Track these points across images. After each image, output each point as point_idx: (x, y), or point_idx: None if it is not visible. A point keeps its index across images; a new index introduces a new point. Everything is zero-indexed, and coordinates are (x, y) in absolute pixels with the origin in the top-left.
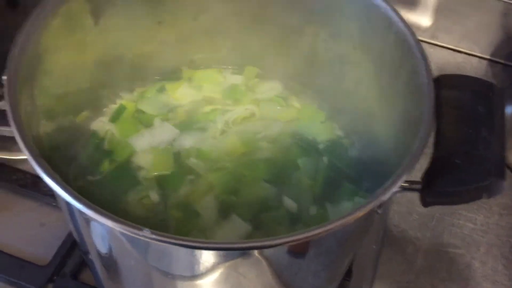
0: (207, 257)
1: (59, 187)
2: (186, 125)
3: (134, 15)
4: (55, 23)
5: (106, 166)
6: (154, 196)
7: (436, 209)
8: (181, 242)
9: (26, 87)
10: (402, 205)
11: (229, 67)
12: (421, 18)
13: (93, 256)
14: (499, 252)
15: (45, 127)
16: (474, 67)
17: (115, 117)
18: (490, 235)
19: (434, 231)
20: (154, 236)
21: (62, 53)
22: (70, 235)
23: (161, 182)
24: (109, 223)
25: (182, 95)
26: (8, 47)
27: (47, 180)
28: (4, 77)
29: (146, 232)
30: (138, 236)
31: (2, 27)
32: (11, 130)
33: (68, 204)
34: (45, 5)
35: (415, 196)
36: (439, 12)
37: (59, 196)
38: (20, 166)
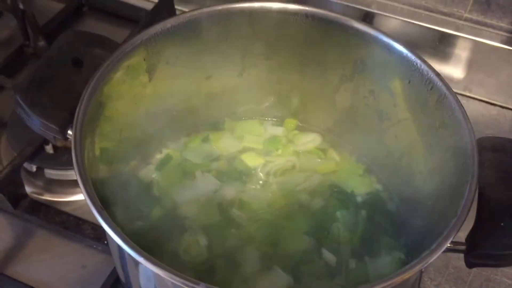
0: None
1: (119, 239)
2: (228, 175)
3: (185, 72)
4: (117, 76)
5: (156, 212)
6: (203, 241)
7: None
8: None
9: (88, 136)
10: (438, 258)
11: (270, 119)
12: (454, 71)
13: None
14: None
15: (100, 174)
16: (508, 120)
17: (161, 166)
18: None
19: (471, 286)
20: None
21: (120, 103)
22: (109, 278)
23: (208, 231)
24: (166, 275)
25: (224, 145)
26: (73, 103)
27: (107, 228)
28: (70, 132)
29: (203, 287)
30: None
31: (68, 86)
32: (57, 173)
33: (120, 248)
34: (108, 64)
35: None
36: (472, 65)
37: (113, 241)
38: (64, 208)
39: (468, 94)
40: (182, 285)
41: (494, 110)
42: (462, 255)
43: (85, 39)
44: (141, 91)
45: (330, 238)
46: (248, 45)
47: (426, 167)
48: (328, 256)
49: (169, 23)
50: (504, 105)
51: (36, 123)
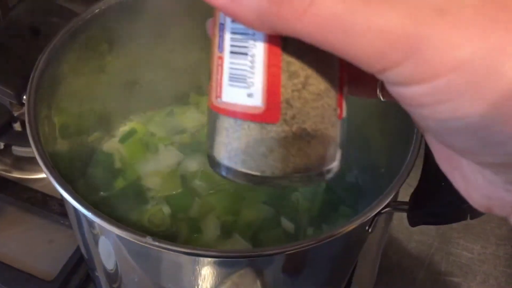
0: (207, 271)
1: (71, 197)
2: (191, 148)
3: (147, 44)
4: (75, 48)
5: (119, 183)
6: (167, 210)
7: (434, 238)
8: (179, 249)
9: (45, 107)
10: (400, 233)
11: None
12: None
13: (99, 272)
14: (496, 282)
15: (60, 146)
16: None
17: (124, 139)
18: (487, 265)
19: (432, 259)
20: (156, 243)
21: (79, 77)
22: (76, 252)
23: (171, 201)
24: (115, 230)
25: (189, 119)
26: (30, 71)
27: (61, 191)
28: (25, 97)
29: (149, 240)
30: (141, 243)
31: (26, 53)
32: (25, 151)
33: (78, 218)
34: (65, 32)
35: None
36: None
37: (70, 208)
38: (31, 185)
39: None
40: (131, 239)
41: None
42: (424, 233)
43: (44, 8)
44: (101, 63)
45: (290, 208)
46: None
47: (381, 136)
48: (287, 224)
49: None
50: None
51: None
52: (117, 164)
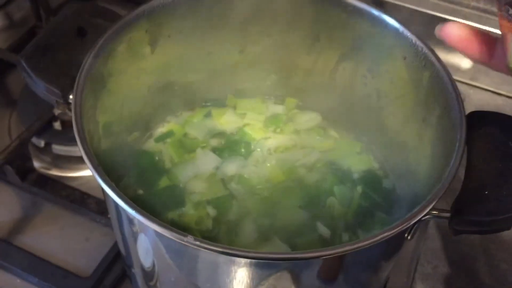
0: (244, 272)
1: (114, 194)
2: (229, 151)
3: (186, 46)
4: (119, 50)
5: (162, 183)
6: (212, 212)
7: (471, 248)
8: (219, 249)
9: (89, 107)
10: (436, 241)
11: (272, 97)
12: (461, 60)
13: (136, 270)
14: None
15: (103, 144)
16: None
17: (160, 139)
18: None
19: (469, 270)
20: (197, 243)
21: (122, 77)
22: (112, 250)
23: (214, 204)
24: (156, 227)
25: (226, 121)
26: (76, 71)
27: (105, 187)
28: (71, 96)
29: (190, 239)
30: (182, 242)
31: (72, 54)
32: (64, 149)
33: (118, 215)
34: (110, 34)
35: (450, 233)
36: None
37: (111, 205)
38: (70, 183)
39: (474, 83)
40: (173, 237)
41: (500, 100)
42: (460, 242)
43: (90, 10)
44: (143, 64)
45: (325, 213)
46: (249, 22)
47: (419, 143)
48: (323, 229)
49: None
50: (509, 94)
51: (39, 86)
52: (156, 167)
